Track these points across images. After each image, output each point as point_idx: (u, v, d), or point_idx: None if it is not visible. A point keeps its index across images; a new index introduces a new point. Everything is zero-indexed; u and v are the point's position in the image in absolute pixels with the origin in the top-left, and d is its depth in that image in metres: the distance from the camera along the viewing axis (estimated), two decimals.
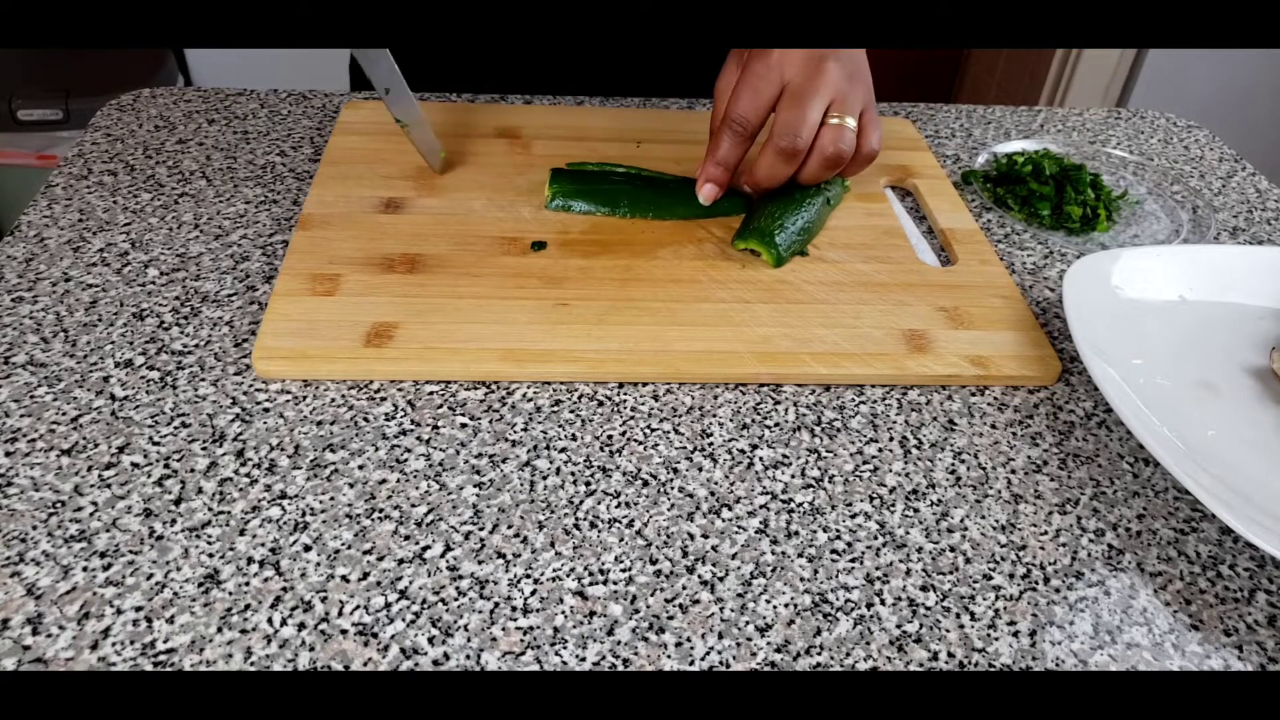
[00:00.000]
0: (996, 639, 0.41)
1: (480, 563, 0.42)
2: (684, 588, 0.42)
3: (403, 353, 0.51)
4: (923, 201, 0.69)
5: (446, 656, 0.39)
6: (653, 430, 0.50)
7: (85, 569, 0.41)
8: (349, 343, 0.51)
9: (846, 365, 0.53)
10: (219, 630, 0.39)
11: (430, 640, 0.39)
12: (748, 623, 0.41)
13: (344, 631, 0.39)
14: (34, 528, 0.42)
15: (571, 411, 0.50)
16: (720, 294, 0.58)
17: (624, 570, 0.43)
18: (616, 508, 0.45)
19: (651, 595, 0.42)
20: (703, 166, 0.62)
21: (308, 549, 0.42)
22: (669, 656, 0.39)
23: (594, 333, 0.54)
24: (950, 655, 0.40)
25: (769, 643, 0.40)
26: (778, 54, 0.60)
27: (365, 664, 0.38)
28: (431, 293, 0.55)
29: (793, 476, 0.48)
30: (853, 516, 0.46)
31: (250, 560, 0.42)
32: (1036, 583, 0.44)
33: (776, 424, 0.51)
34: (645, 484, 0.47)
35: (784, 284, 0.59)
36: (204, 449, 0.47)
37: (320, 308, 0.54)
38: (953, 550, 0.45)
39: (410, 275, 0.57)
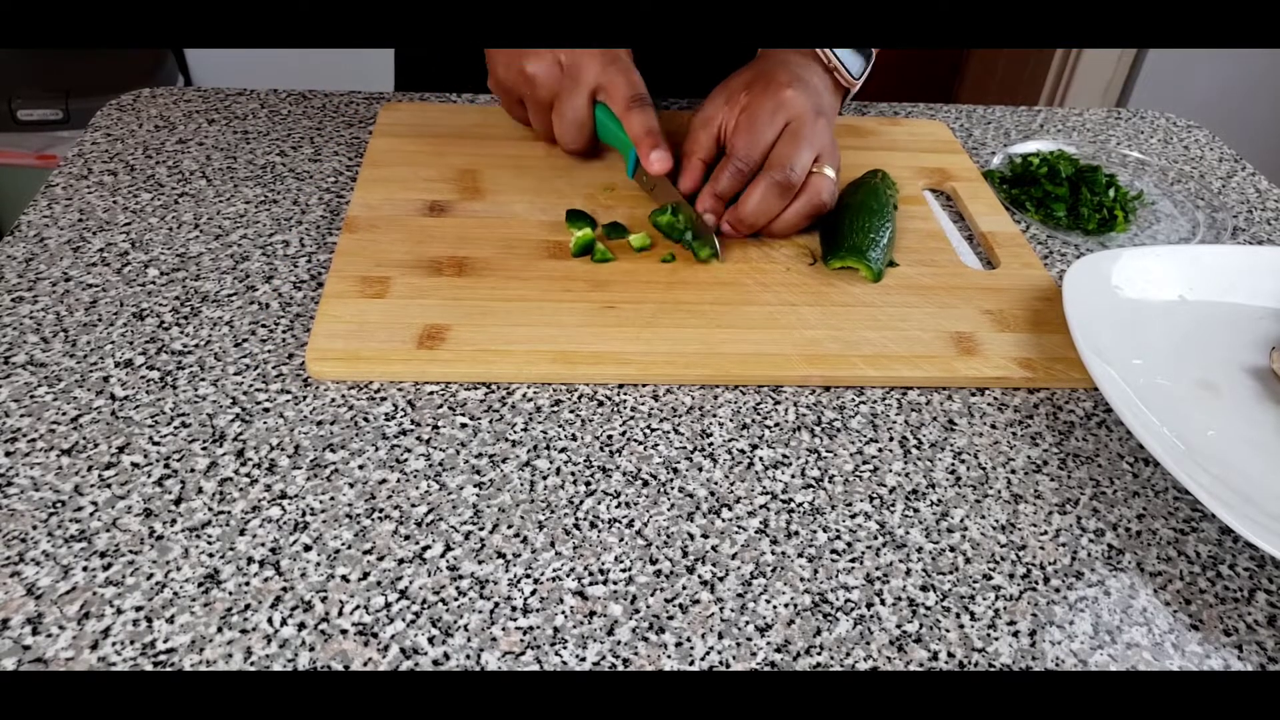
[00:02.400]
0: (996, 639, 0.41)
1: (480, 563, 0.42)
2: (684, 588, 0.42)
3: (456, 355, 0.51)
4: (962, 204, 0.69)
5: (446, 656, 0.39)
6: (653, 430, 0.50)
7: (85, 569, 0.41)
8: (402, 345, 0.51)
9: (896, 368, 0.53)
10: (219, 630, 0.39)
11: (430, 640, 0.39)
12: (748, 623, 0.41)
13: (344, 631, 0.39)
14: (34, 528, 0.42)
15: (571, 411, 0.50)
16: (765, 296, 0.58)
17: (624, 570, 0.43)
18: (616, 508, 0.45)
19: (651, 595, 0.42)
20: (700, 198, 0.62)
21: (308, 549, 0.42)
22: (669, 656, 0.39)
23: (643, 335, 0.54)
24: (950, 655, 0.40)
25: (769, 643, 0.40)
26: (783, 95, 0.62)
27: (365, 664, 0.38)
28: (481, 295, 0.55)
29: (793, 476, 0.48)
30: (853, 516, 0.46)
31: (250, 560, 0.42)
32: (1036, 583, 0.44)
33: (776, 424, 0.51)
34: (645, 484, 0.47)
35: (829, 286, 0.59)
36: (204, 449, 0.47)
37: (371, 310, 0.54)
38: (953, 550, 0.45)
39: (458, 278, 0.57)
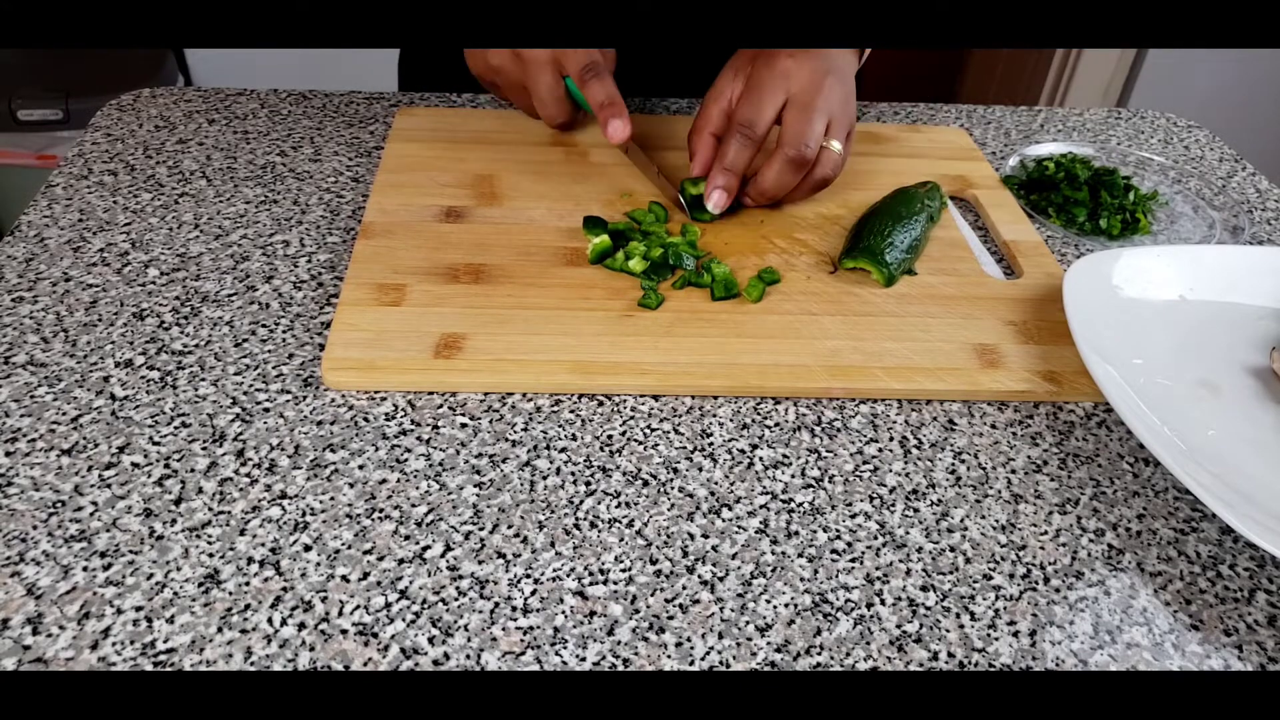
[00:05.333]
0: (996, 639, 0.41)
1: (480, 563, 0.42)
2: (684, 588, 0.42)
3: (473, 364, 0.51)
4: (984, 213, 0.69)
5: (446, 656, 0.39)
6: (653, 430, 0.50)
7: (85, 569, 0.41)
8: (418, 354, 0.51)
9: (919, 380, 0.53)
10: (219, 630, 0.39)
11: (430, 640, 0.39)
12: (748, 623, 0.41)
13: (344, 631, 0.39)
14: (34, 528, 0.42)
15: (571, 411, 0.50)
16: (786, 306, 0.57)
17: (624, 570, 0.43)
18: (616, 508, 0.45)
19: (651, 595, 0.42)
20: (711, 175, 0.63)
21: (308, 549, 0.42)
22: (669, 656, 0.39)
23: (661, 345, 0.53)
24: (950, 655, 0.40)
25: (769, 643, 0.40)
26: (783, 65, 0.61)
27: (365, 664, 0.38)
28: (497, 303, 0.55)
29: (793, 476, 0.48)
30: (853, 516, 0.46)
31: (250, 560, 0.42)
32: (1036, 583, 0.44)
33: (776, 424, 0.51)
34: (645, 484, 0.47)
35: (850, 295, 0.58)
36: (204, 449, 0.47)
37: (387, 318, 0.53)
38: (953, 550, 0.45)
39: (475, 285, 0.56)
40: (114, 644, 0.38)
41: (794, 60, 0.62)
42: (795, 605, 0.42)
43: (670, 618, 0.41)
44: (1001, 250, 0.66)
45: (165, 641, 0.38)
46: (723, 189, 0.62)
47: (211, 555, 0.42)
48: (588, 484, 0.47)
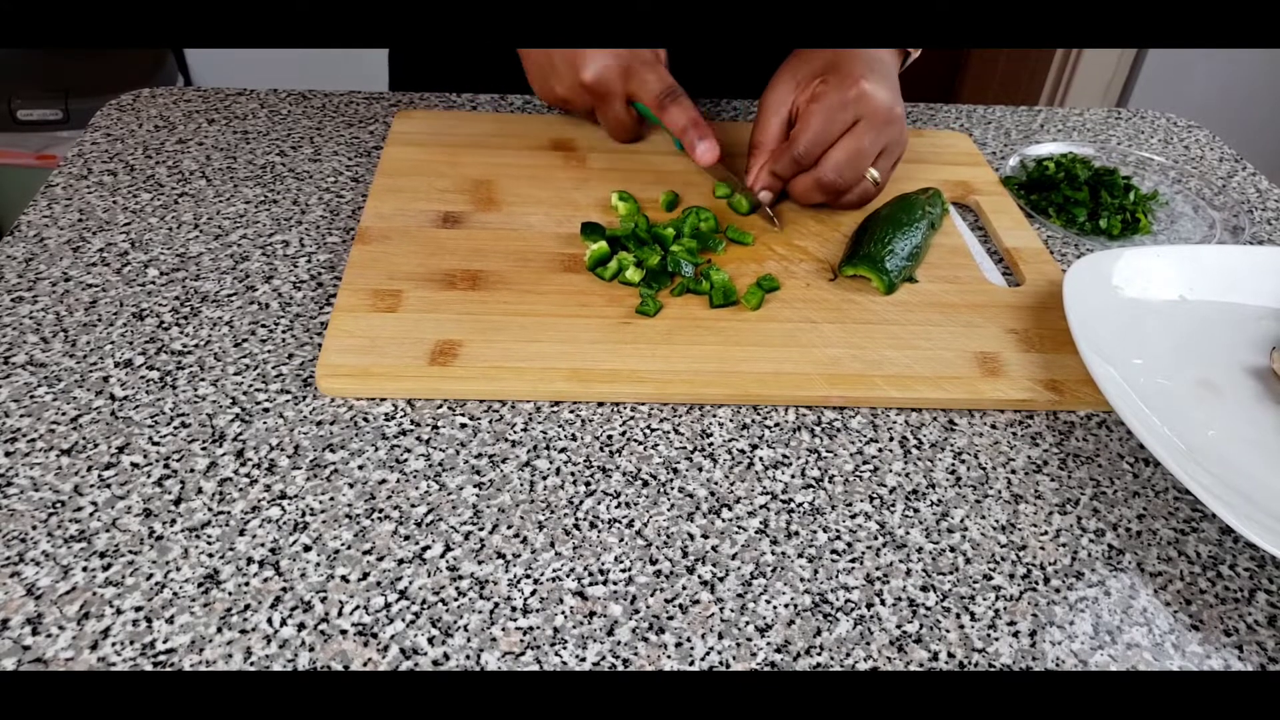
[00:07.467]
0: (996, 639, 0.41)
1: (480, 563, 0.42)
2: (684, 588, 0.42)
3: (468, 371, 0.51)
4: (986, 219, 0.68)
5: (446, 656, 0.39)
6: (652, 430, 0.50)
7: (85, 569, 0.41)
8: (414, 361, 0.51)
9: (919, 388, 0.52)
10: (219, 630, 0.39)
11: (430, 640, 0.39)
12: (748, 623, 0.41)
13: (344, 631, 0.39)
14: (34, 528, 0.42)
15: (571, 411, 0.50)
16: (785, 313, 0.57)
17: (624, 570, 0.43)
18: (616, 508, 0.45)
19: (651, 595, 0.42)
20: (756, 172, 0.65)
21: (307, 549, 0.42)
22: (669, 656, 0.39)
23: (659, 352, 0.53)
24: (950, 655, 0.40)
25: (769, 643, 0.40)
26: (858, 89, 0.61)
27: (365, 664, 0.38)
28: (494, 310, 0.55)
29: (793, 477, 0.48)
30: (853, 517, 0.46)
31: (250, 560, 0.42)
32: (1036, 583, 0.44)
33: (776, 424, 0.51)
34: (645, 484, 0.47)
35: (850, 303, 0.58)
36: (204, 449, 0.47)
37: (383, 324, 0.53)
38: (953, 550, 0.45)
39: (472, 292, 0.56)
40: (114, 644, 0.38)
41: (870, 85, 0.61)
42: (795, 605, 0.42)
43: (670, 618, 0.41)
44: (1004, 256, 0.66)
45: (165, 642, 0.38)
46: (767, 189, 0.65)
47: (211, 555, 0.42)
48: (587, 484, 0.47)
